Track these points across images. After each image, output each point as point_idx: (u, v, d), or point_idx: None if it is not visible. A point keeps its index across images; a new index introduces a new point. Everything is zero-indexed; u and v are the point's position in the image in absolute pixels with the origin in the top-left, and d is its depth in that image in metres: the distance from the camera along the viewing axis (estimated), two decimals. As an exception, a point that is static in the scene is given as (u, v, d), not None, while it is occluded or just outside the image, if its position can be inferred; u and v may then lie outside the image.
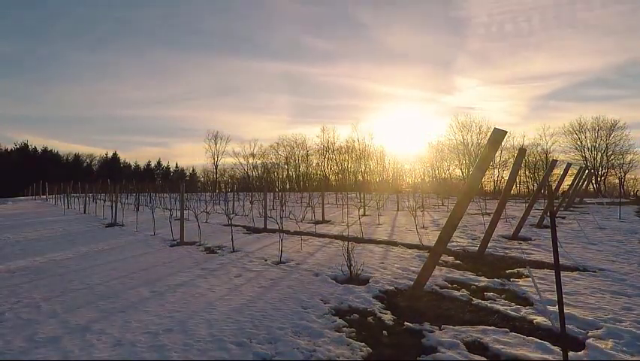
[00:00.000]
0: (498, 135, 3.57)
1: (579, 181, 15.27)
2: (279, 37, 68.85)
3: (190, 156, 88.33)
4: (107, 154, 65.29)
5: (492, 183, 40.24)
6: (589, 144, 39.66)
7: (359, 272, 4.79)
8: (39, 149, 57.83)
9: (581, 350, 2.75)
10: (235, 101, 76.01)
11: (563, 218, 11.27)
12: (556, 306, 2.51)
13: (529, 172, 40.66)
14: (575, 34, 56.09)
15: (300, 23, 65.04)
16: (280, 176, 52.40)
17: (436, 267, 4.60)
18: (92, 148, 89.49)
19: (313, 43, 65.96)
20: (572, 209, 14.27)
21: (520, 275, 4.87)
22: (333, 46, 67.44)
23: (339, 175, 49.13)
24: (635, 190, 34.10)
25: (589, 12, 53.47)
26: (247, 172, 53.23)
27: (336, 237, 8.10)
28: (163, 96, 77.36)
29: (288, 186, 48.25)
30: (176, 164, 69.92)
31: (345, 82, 69.31)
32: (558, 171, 23.21)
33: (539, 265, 5.34)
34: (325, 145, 50.45)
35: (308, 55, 69.15)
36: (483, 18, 57.42)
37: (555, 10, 54.76)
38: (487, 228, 6.31)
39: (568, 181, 15.80)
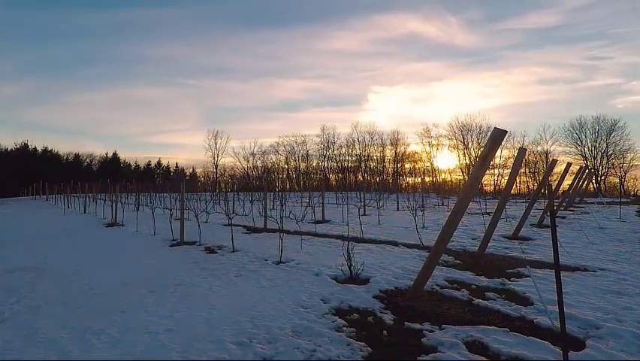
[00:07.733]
0: (498, 135, 3.57)
1: (579, 181, 15.26)
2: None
3: (190, 155, 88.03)
4: (107, 154, 65.16)
5: (492, 183, 40.23)
6: (589, 144, 39.68)
7: (359, 272, 4.79)
8: (39, 149, 57.83)
9: (581, 350, 2.75)
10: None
11: (563, 218, 11.26)
12: (557, 306, 2.51)
13: (529, 172, 40.61)
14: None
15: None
16: (280, 176, 52.36)
17: (436, 267, 4.59)
18: (92, 148, 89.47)
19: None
20: (572, 209, 14.26)
21: (520, 275, 4.87)
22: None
23: (339, 175, 49.10)
24: (635, 190, 34.11)
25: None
26: (247, 172, 53.19)
27: (336, 236, 8.09)
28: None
29: (288, 186, 48.18)
30: (177, 164, 69.84)
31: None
32: (558, 170, 23.19)
33: (539, 264, 5.34)
34: (325, 145, 50.45)
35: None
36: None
37: None
38: (487, 227, 6.30)
39: (568, 181, 15.79)
